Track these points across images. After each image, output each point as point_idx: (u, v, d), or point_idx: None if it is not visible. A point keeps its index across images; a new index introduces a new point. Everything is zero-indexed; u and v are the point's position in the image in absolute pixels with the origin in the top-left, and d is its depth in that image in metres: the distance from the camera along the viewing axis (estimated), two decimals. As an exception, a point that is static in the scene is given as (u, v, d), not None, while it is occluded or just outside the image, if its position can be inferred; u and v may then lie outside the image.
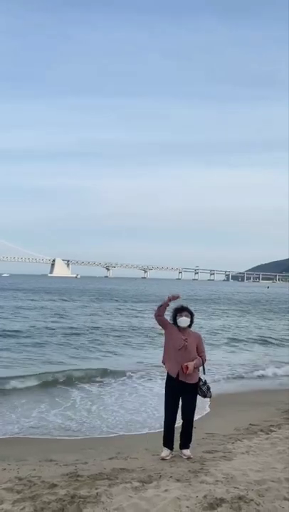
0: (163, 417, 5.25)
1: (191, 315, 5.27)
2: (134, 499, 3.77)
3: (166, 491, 3.95)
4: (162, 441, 5.20)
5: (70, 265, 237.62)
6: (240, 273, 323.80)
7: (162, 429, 5.28)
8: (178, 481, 4.20)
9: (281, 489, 4.00)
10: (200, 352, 5.21)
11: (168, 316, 5.31)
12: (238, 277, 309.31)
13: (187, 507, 3.60)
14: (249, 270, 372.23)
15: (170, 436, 5.17)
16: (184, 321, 5.18)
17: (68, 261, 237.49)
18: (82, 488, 4.04)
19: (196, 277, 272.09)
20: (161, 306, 5.25)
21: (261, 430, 6.26)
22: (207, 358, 5.34)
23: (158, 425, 6.58)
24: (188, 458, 5.01)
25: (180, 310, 5.24)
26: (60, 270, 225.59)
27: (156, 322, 5.33)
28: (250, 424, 6.78)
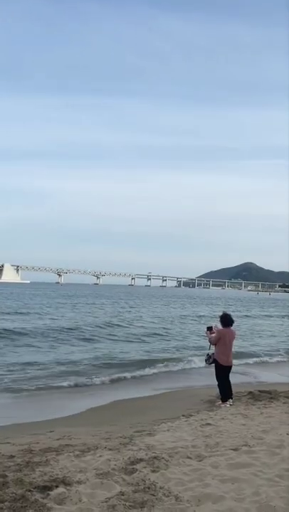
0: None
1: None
2: (75, 462, 4.98)
3: (100, 456, 5.19)
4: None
5: (20, 271, 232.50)
6: (191, 279, 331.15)
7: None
8: (110, 450, 5.46)
9: (187, 452, 5.35)
10: None
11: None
12: (189, 283, 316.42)
13: (115, 464, 4.85)
14: (200, 277, 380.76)
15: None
16: None
17: (18, 266, 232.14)
18: (35, 457, 5.20)
19: (149, 283, 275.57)
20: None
21: (183, 415, 7.65)
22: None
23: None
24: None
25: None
26: (9, 276, 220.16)
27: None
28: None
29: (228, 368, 8.81)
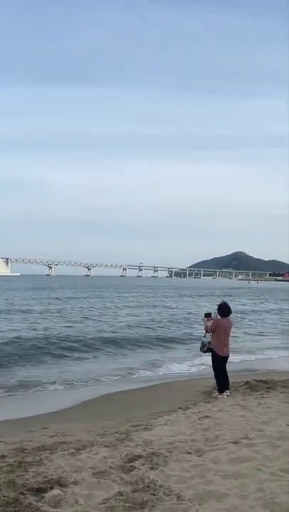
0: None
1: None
2: (70, 460, 4.77)
3: (96, 453, 4.99)
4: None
5: (10, 263, 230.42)
6: (182, 269, 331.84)
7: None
8: (106, 446, 5.26)
9: (186, 446, 5.17)
10: None
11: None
12: (180, 274, 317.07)
13: (112, 462, 4.65)
14: (191, 266, 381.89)
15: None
16: None
17: (7, 259, 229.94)
18: (28, 457, 4.97)
19: (140, 274, 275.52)
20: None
21: (180, 408, 7.48)
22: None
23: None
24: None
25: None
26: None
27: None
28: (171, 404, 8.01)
29: (226, 359, 8.66)
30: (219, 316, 8.69)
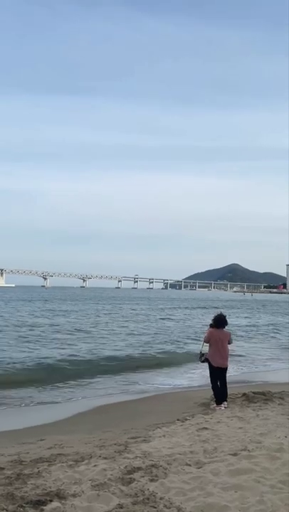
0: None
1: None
2: (69, 473, 4.72)
3: (95, 465, 4.94)
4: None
5: (5, 274, 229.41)
6: (177, 281, 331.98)
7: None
8: (105, 458, 5.21)
9: (185, 458, 5.14)
10: None
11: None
12: (175, 285, 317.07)
13: (111, 474, 4.61)
14: (186, 278, 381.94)
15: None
16: None
17: (2, 270, 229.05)
18: (26, 469, 4.92)
19: (136, 286, 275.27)
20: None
21: (178, 419, 7.44)
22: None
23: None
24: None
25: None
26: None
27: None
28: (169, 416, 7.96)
29: (221, 370, 8.65)
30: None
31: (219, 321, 8.69)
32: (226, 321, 8.75)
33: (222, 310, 10.29)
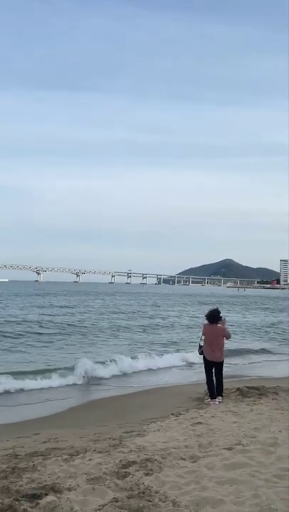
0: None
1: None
2: (64, 467, 4.72)
3: (90, 459, 4.94)
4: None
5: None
6: (171, 276, 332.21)
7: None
8: (100, 452, 5.21)
9: (180, 452, 5.15)
10: None
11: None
12: (169, 281, 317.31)
13: (106, 468, 4.61)
14: (180, 274, 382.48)
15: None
16: None
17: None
18: (21, 462, 4.91)
19: (129, 281, 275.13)
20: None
21: (172, 414, 7.46)
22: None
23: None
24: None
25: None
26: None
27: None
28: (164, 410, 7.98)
29: (214, 364, 8.70)
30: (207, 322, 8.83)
31: (211, 317, 8.75)
32: (218, 316, 8.77)
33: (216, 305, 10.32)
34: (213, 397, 8.51)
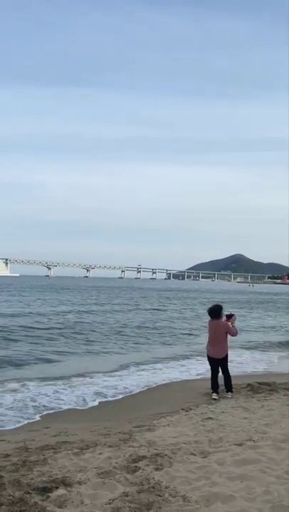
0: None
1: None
2: (74, 460, 4.74)
3: (100, 453, 4.96)
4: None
5: (9, 264, 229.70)
6: (180, 272, 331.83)
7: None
8: (110, 447, 5.23)
9: (190, 448, 5.14)
10: None
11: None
12: (178, 276, 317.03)
13: (116, 462, 4.62)
14: (189, 269, 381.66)
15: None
16: None
17: (7, 259, 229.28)
18: (32, 456, 4.94)
19: (139, 276, 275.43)
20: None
21: (182, 409, 7.45)
22: None
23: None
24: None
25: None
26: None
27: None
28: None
29: (216, 360, 8.69)
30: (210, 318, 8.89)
31: (213, 312, 8.76)
32: (219, 311, 8.72)
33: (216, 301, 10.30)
34: (214, 389, 8.57)
